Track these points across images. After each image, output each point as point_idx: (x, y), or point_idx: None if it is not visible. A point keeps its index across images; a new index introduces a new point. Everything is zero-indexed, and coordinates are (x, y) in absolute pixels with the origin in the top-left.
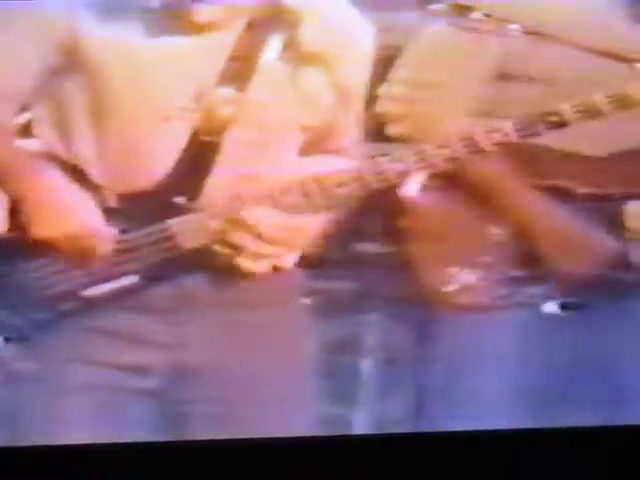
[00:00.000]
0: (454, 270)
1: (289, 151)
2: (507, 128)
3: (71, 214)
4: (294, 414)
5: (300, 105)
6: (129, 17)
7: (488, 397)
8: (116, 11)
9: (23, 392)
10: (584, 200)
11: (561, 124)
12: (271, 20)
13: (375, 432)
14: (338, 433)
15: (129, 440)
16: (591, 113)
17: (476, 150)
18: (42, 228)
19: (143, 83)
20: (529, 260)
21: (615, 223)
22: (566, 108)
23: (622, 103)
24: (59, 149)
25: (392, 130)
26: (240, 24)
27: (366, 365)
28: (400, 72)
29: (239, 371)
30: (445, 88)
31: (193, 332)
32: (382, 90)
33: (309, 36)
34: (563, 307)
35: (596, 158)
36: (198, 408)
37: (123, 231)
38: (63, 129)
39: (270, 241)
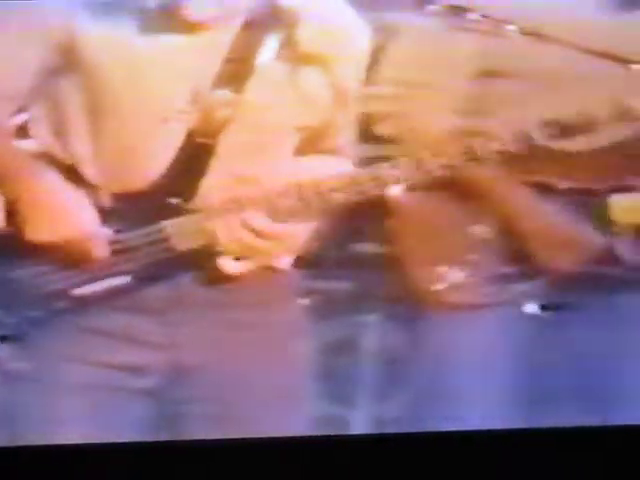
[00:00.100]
0: (442, 269)
1: (286, 153)
2: (506, 138)
3: (68, 217)
4: (291, 414)
5: (297, 105)
6: (126, 17)
7: (487, 397)
8: (113, 11)
9: (19, 392)
10: (568, 195)
11: (561, 134)
12: (268, 20)
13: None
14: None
15: (125, 440)
16: (591, 123)
17: (474, 158)
18: (38, 231)
19: (139, 83)
20: (517, 257)
21: (600, 218)
22: (565, 118)
23: (622, 115)
24: (55, 149)
25: (379, 130)
26: (236, 24)
27: (364, 366)
28: (384, 71)
29: (236, 371)
30: (430, 87)
31: (189, 332)
32: (368, 90)
33: (306, 36)
34: (543, 308)
35: (578, 153)
36: (195, 408)
37: (117, 231)
38: (59, 129)
39: (265, 243)
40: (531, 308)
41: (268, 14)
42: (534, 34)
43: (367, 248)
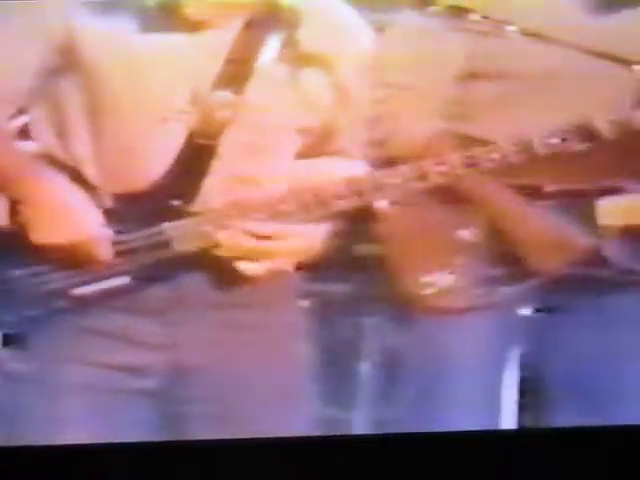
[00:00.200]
0: (431, 273)
1: (287, 154)
2: (507, 148)
3: (72, 219)
4: (291, 414)
5: (299, 106)
6: (126, 16)
7: (487, 398)
8: (113, 10)
9: (19, 392)
10: (556, 197)
11: (560, 146)
12: (269, 19)
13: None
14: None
15: (126, 440)
16: (590, 137)
17: (474, 166)
18: (42, 233)
19: (140, 83)
20: (506, 260)
21: (587, 219)
22: (566, 131)
23: (625, 130)
24: (56, 150)
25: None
26: (237, 23)
27: (364, 367)
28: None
29: (236, 372)
30: (414, 90)
31: (189, 333)
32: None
33: (307, 36)
34: (538, 311)
35: (567, 155)
36: (195, 408)
37: (118, 232)
38: (60, 130)
39: (267, 246)
40: (525, 311)
41: (269, 14)
42: (534, 35)
43: (367, 250)
